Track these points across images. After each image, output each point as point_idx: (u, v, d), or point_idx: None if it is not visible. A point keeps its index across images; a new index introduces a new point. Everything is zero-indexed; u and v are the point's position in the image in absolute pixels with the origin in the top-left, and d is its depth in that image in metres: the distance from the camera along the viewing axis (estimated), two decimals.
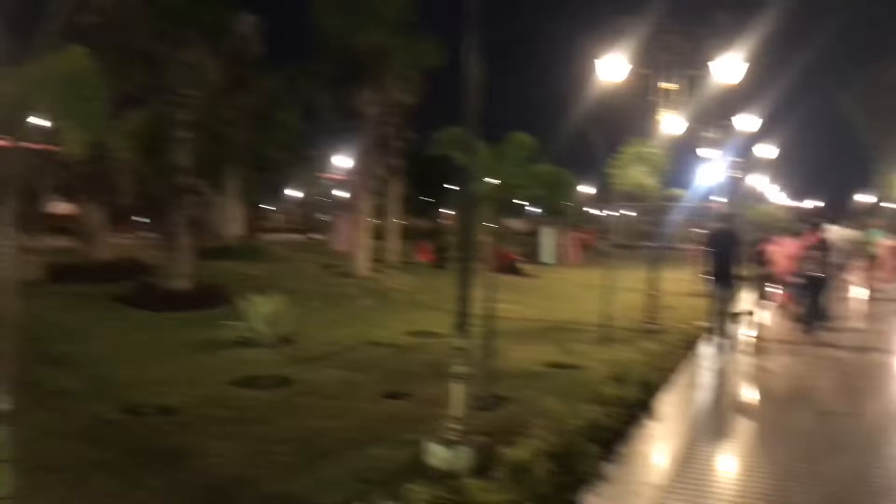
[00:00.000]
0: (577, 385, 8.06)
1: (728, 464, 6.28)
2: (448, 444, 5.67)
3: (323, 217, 42.98)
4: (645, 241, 19.19)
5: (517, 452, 5.03)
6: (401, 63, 16.99)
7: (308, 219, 43.04)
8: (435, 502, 4.04)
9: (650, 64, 12.67)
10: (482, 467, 5.44)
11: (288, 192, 45.60)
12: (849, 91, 43.84)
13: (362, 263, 17.73)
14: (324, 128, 23.76)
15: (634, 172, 11.27)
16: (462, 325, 5.95)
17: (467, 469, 5.43)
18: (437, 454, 5.67)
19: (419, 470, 5.58)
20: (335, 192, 39.91)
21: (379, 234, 23.47)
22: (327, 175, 40.36)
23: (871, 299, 18.02)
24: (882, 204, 44.45)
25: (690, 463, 6.08)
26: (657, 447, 6.60)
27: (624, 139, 12.30)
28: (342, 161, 34.65)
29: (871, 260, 18.98)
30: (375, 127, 18.19)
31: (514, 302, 15.49)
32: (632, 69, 12.89)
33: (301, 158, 26.71)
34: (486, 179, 7.62)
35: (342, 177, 35.92)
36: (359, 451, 6.07)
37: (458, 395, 5.82)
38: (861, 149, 46.12)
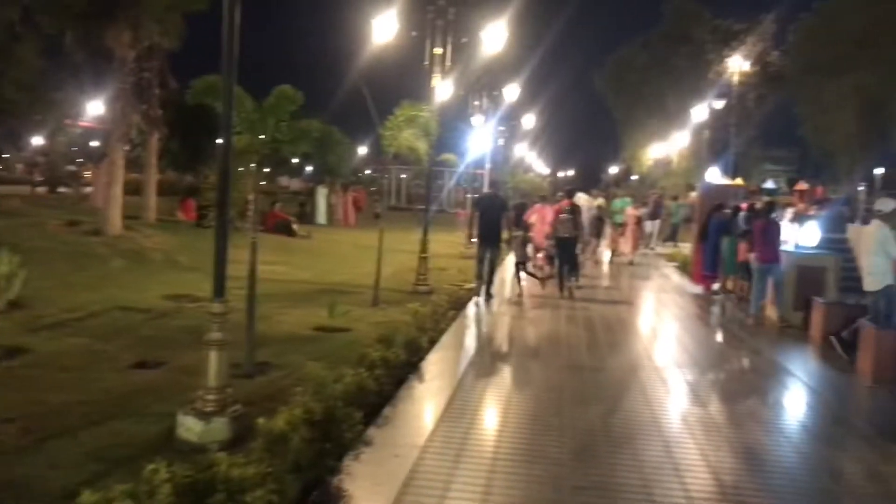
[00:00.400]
0: (345, 348, 7.93)
1: (487, 419, 6.47)
2: (203, 416, 5.27)
3: (72, 169, 38.91)
4: (418, 204, 19.47)
5: (275, 422, 4.75)
6: (159, 2, 15.50)
7: (54, 170, 38.61)
8: (175, 481, 3.65)
9: (423, 27, 12.68)
10: (239, 439, 5.12)
11: (34, 140, 40.52)
12: (600, 70, 47.73)
13: (115, 221, 16.17)
14: (73, 70, 21.22)
15: (406, 135, 11.26)
16: (219, 288, 5.53)
17: (223, 442, 5.08)
18: (190, 427, 5.25)
19: (170, 446, 5.15)
20: (92, 144, 36.19)
21: (137, 189, 21.67)
22: (79, 123, 36.40)
23: (618, 262, 19.87)
24: (630, 177, 49.25)
25: (452, 421, 6.19)
26: (421, 407, 6.65)
27: (399, 101, 12.24)
28: (97, 108, 31.36)
29: (618, 227, 20.91)
30: (132, 71, 16.54)
31: (285, 263, 15.05)
32: (407, 32, 12.85)
33: (44, 101, 23.72)
34: (252, 133, 7.15)
35: (95, 125, 32.62)
36: (101, 428, 5.47)
37: (213, 363, 5.42)
38: (611, 125, 50.64)
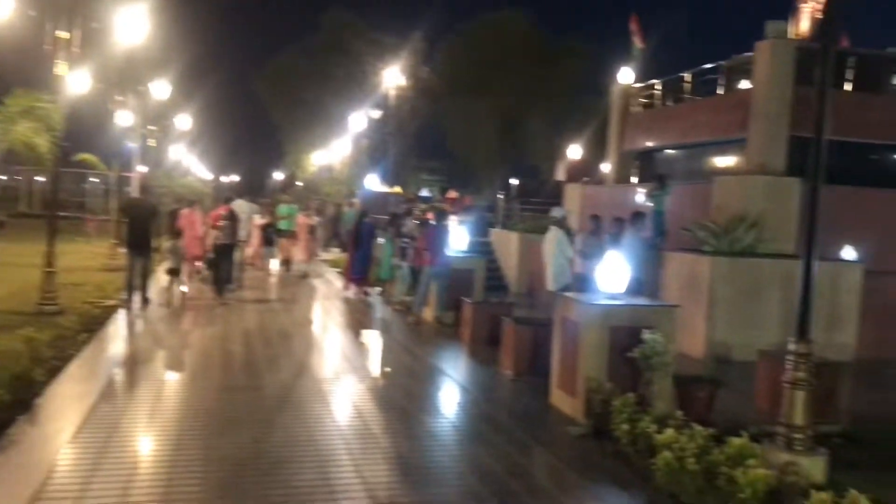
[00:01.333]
0: None
1: (118, 459, 5.48)
2: None
3: None
4: (59, 210, 16.89)
5: None
6: None
7: None
8: None
9: (44, 7, 10.92)
10: None
11: None
12: (259, 74, 46.85)
13: None
14: None
15: (22, 129, 9.54)
16: None
17: None
18: None
19: None
20: None
21: None
22: None
23: (287, 271, 19.24)
24: (296, 183, 49.06)
25: (72, 467, 5.19)
26: (30, 457, 5.44)
27: (12, 90, 10.41)
28: None
29: (289, 235, 20.08)
30: None
31: None
32: (23, 9, 10.99)
33: None
34: None
35: None
36: None
37: None
38: (273, 130, 50.02)
